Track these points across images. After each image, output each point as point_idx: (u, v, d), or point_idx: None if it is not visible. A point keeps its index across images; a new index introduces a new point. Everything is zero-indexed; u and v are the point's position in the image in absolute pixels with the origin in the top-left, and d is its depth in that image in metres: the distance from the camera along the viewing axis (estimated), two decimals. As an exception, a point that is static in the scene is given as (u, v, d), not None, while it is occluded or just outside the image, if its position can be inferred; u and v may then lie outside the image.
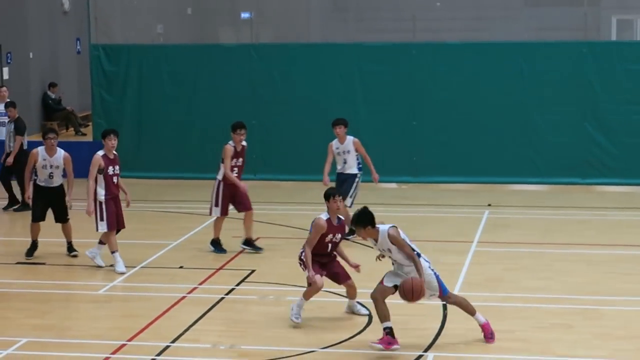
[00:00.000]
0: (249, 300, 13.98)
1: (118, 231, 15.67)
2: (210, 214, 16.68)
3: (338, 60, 22.95)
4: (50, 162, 15.86)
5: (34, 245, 16.17)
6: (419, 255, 11.81)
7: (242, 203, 16.52)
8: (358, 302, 13.14)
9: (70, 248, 16.21)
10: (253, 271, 15.33)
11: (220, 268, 15.59)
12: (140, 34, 25.27)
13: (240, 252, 16.54)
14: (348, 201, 16.74)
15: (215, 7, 25.62)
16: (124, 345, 12.11)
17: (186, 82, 23.22)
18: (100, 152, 15.41)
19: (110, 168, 15.41)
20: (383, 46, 23.26)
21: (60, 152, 15.97)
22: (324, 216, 12.71)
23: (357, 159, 17.25)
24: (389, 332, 11.67)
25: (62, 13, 31.22)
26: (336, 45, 23.87)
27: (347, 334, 12.29)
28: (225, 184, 16.42)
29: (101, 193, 15.30)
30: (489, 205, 20.18)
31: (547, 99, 22.10)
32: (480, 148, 22.20)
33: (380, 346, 11.61)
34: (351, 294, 13.10)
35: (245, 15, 25.88)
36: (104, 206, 15.32)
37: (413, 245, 11.87)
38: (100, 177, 15.29)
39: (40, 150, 15.88)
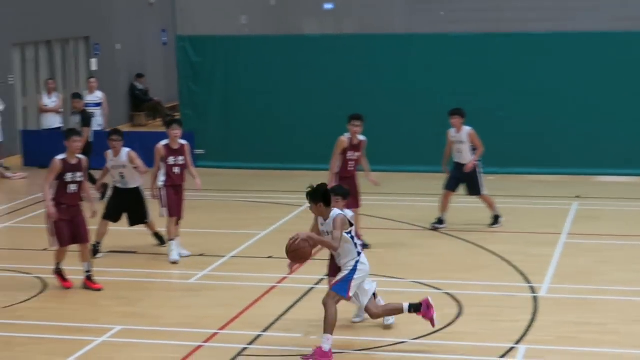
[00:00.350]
0: (338, 290, 13.97)
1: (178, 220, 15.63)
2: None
3: (422, 51, 22.83)
4: (116, 162, 15.67)
5: (95, 249, 15.48)
6: (359, 253, 11.49)
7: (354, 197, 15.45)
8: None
9: (159, 237, 16.23)
10: (341, 261, 15.30)
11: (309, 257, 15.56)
12: (225, 25, 25.40)
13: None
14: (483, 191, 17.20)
15: (298, -1, 25.70)
16: (216, 334, 12.19)
17: (271, 72, 23.26)
18: (164, 142, 15.34)
19: (172, 158, 15.29)
20: (468, 36, 23.10)
21: (124, 151, 15.67)
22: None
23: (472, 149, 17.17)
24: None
25: (148, 5, 31.54)
26: (420, 35, 23.78)
27: (438, 325, 12.20)
28: (341, 177, 15.71)
29: (161, 179, 15.26)
30: (578, 197, 19.93)
31: (637, 89, 21.76)
32: (568, 139, 21.96)
33: None
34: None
35: (328, 6, 25.94)
36: (162, 192, 15.29)
37: (357, 242, 11.57)
38: (162, 165, 15.30)
39: (110, 152, 15.76)
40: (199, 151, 23.12)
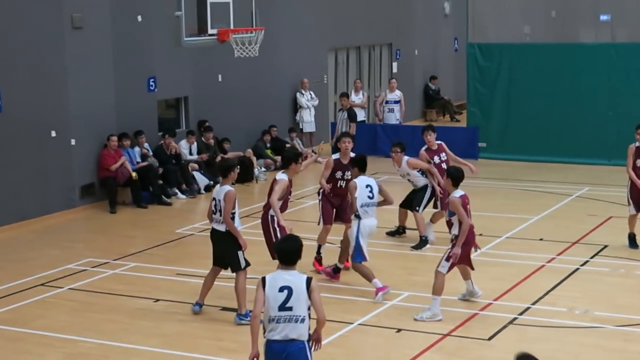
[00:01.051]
0: (601, 272, 13.63)
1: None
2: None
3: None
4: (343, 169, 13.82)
5: (399, 229, 15.57)
6: (358, 217, 12.53)
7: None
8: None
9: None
10: (605, 246, 14.90)
11: (576, 242, 15.27)
12: (510, 33, 25.13)
13: (597, 226, 16.13)
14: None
15: (577, 10, 25.00)
16: (490, 304, 12.20)
17: (549, 76, 22.88)
18: (335, 156, 13.83)
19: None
20: None
21: (404, 160, 15.05)
22: None
23: None
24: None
25: (444, 16, 31.67)
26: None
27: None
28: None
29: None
30: None
31: None
32: None
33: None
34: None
35: (604, 17, 25.09)
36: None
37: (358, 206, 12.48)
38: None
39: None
40: (481, 144, 23.11)
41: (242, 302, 11.58)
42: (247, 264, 11.67)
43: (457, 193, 11.73)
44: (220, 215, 11.48)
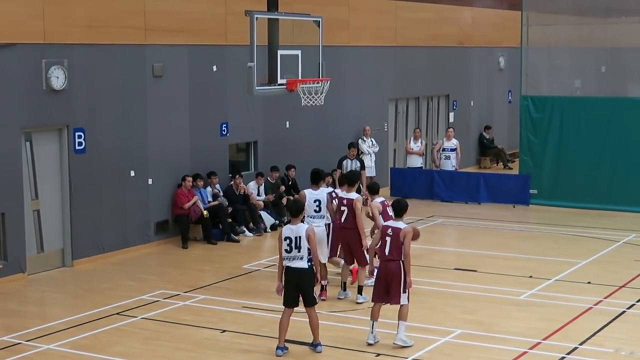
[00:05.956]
0: (647, 316, 13.35)
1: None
2: None
3: None
4: None
5: None
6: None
7: None
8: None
9: None
10: (652, 291, 14.62)
11: (623, 286, 14.97)
12: (562, 87, 24.95)
13: (641, 273, 15.88)
14: None
15: (625, 66, 24.77)
16: (539, 343, 12.00)
17: (598, 128, 22.59)
18: (379, 199, 14.33)
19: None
20: None
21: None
22: None
23: None
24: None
25: (499, 70, 31.53)
26: None
27: None
28: None
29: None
30: None
31: None
32: None
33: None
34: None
35: (652, 72, 24.89)
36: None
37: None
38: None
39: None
40: (532, 191, 22.85)
41: (318, 333, 11.58)
42: (316, 300, 11.70)
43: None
44: (299, 252, 11.35)
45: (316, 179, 14.19)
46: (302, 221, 11.73)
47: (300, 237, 11.34)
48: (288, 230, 11.48)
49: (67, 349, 11.84)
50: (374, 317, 11.86)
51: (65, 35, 16.25)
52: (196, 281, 15.43)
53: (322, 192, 14.12)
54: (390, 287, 11.66)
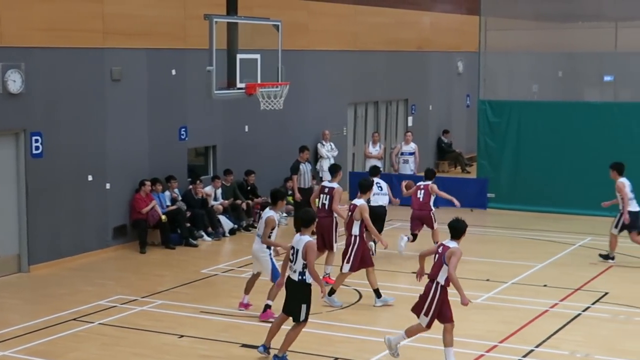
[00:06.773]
0: (602, 318, 13.50)
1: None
2: None
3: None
4: None
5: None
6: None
7: None
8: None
9: None
10: (606, 293, 14.79)
11: (579, 288, 15.16)
12: (520, 91, 25.21)
13: (598, 274, 16.02)
14: None
15: (582, 71, 25.06)
16: (495, 346, 12.10)
17: (556, 132, 22.86)
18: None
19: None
20: None
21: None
22: None
23: None
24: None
25: (457, 74, 31.77)
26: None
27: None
28: None
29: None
30: None
31: None
32: None
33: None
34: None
35: (607, 78, 25.16)
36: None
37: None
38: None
39: None
40: (490, 195, 23.07)
41: (285, 347, 11.24)
42: (306, 319, 11.30)
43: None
44: (294, 265, 11.21)
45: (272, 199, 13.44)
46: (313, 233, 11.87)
47: (298, 250, 11.22)
48: (295, 239, 11.40)
49: (23, 356, 11.72)
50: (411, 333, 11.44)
51: (23, 39, 16.10)
52: (154, 286, 15.35)
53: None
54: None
